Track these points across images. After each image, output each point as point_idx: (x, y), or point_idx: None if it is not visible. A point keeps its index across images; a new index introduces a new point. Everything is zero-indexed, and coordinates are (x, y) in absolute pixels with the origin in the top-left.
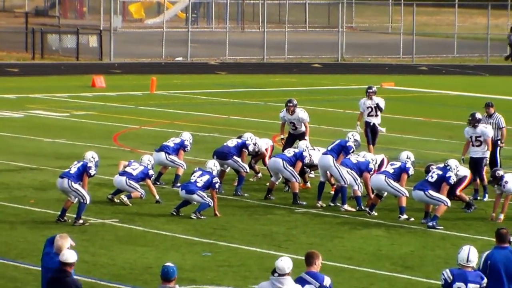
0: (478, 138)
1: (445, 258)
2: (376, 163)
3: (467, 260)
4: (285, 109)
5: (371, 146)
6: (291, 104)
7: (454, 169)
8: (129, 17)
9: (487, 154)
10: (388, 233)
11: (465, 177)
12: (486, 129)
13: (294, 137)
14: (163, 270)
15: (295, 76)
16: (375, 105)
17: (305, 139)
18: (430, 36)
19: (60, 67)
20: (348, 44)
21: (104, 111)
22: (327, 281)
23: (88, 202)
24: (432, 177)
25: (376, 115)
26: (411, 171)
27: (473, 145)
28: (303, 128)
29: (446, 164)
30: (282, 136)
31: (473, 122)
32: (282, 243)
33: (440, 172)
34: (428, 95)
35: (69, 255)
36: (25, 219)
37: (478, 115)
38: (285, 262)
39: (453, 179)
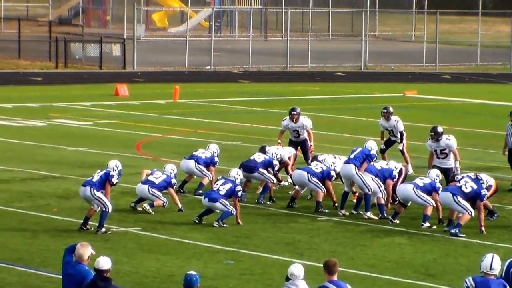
0: (443, 151)
1: (467, 266)
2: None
3: (490, 268)
4: (288, 117)
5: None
6: (295, 112)
7: (485, 182)
8: (153, 25)
9: (457, 164)
10: (410, 241)
11: (490, 186)
12: (450, 141)
13: (296, 144)
14: (186, 278)
15: (318, 84)
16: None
17: (311, 145)
18: (453, 44)
19: (83, 75)
20: (371, 53)
21: (127, 119)
22: None
23: (110, 210)
24: (466, 188)
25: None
26: (440, 190)
27: (438, 158)
28: (305, 135)
29: (479, 178)
30: (279, 141)
31: (436, 136)
32: (305, 251)
33: (474, 186)
34: (451, 104)
35: (104, 262)
36: (47, 228)
37: (440, 129)
38: (299, 269)
39: (485, 196)
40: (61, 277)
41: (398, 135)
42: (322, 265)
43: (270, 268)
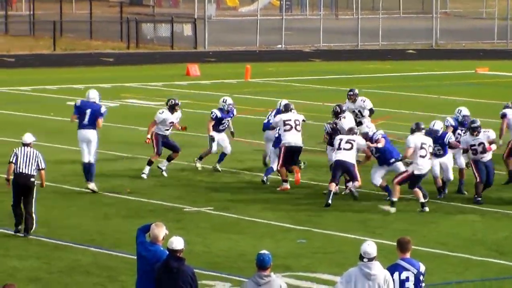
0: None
1: None
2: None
3: None
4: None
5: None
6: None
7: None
8: (223, 5)
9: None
10: (483, 218)
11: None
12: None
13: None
14: (259, 257)
15: (389, 62)
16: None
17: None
18: None
19: (154, 56)
20: (442, 30)
21: (199, 99)
22: (422, 268)
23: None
24: None
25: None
26: None
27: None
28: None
29: None
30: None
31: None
32: (377, 229)
33: None
34: None
35: (177, 242)
36: (120, 208)
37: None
38: (372, 247)
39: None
40: (134, 257)
41: (366, 113)
42: (394, 243)
43: (343, 247)
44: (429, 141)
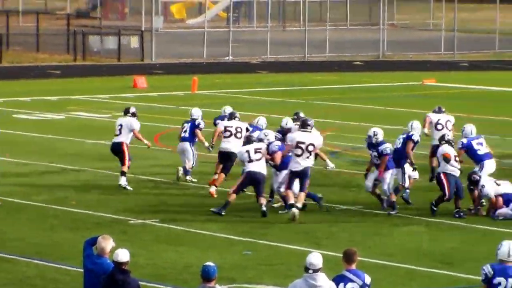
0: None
1: (486, 253)
2: None
3: (508, 255)
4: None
5: None
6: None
7: None
8: (171, 17)
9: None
10: (428, 229)
11: None
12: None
13: None
14: (204, 269)
15: (337, 74)
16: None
17: None
18: (472, 32)
19: (101, 68)
20: (389, 41)
21: (146, 111)
22: (368, 279)
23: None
24: None
25: None
26: None
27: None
28: None
29: None
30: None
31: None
32: (322, 240)
33: None
34: (469, 91)
35: (122, 255)
36: (66, 221)
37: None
38: (317, 258)
39: None
40: (81, 270)
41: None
42: (340, 255)
43: (288, 258)
44: (308, 139)
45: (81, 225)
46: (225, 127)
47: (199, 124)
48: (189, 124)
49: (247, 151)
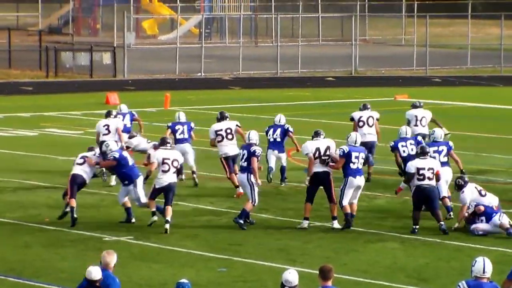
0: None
1: (460, 269)
2: None
3: (483, 271)
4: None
5: None
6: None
7: None
8: (143, 33)
9: None
10: (403, 245)
11: None
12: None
13: None
14: (178, 286)
15: (309, 90)
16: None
17: None
18: (444, 47)
19: (73, 84)
20: (361, 57)
21: None
22: None
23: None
24: None
25: None
26: None
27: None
28: None
29: None
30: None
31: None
32: (298, 257)
33: None
34: (442, 107)
35: (95, 272)
36: (39, 238)
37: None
38: (293, 275)
39: None
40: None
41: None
42: (315, 272)
43: (264, 275)
44: (172, 156)
45: (55, 242)
46: (216, 131)
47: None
48: (187, 126)
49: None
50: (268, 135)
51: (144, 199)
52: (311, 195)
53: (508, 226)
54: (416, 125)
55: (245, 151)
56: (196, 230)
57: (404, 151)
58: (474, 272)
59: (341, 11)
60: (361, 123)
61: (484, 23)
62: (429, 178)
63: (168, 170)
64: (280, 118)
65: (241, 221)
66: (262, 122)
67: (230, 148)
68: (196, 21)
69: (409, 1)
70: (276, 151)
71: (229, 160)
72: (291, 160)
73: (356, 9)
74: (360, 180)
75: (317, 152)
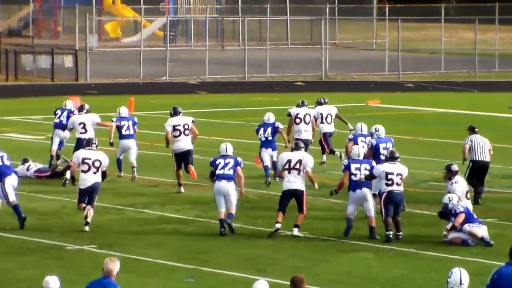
0: None
1: (438, 280)
2: None
3: (460, 283)
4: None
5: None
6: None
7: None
8: (105, 36)
9: None
10: (377, 255)
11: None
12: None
13: None
14: None
15: (278, 95)
16: None
17: None
18: (416, 52)
19: (34, 88)
20: (331, 61)
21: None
22: None
23: None
24: None
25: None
26: None
27: None
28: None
29: None
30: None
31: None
32: (268, 267)
33: None
34: (415, 113)
35: (53, 282)
36: (0, 246)
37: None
38: (263, 286)
39: None
40: None
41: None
42: (286, 283)
43: (232, 286)
44: (94, 156)
45: (16, 251)
46: (174, 126)
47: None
48: (131, 121)
49: None
50: (259, 134)
51: (12, 198)
52: (284, 205)
53: (481, 235)
54: (322, 123)
55: (230, 160)
56: (162, 238)
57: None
58: (451, 284)
59: (310, 14)
60: (298, 120)
61: (457, 27)
62: (397, 184)
63: (88, 170)
64: (269, 117)
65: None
66: (230, 128)
67: (185, 143)
68: (161, 24)
69: (380, 4)
70: (270, 149)
71: (181, 155)
72: (259, 167)
73: (326, 12)
74: (361, 193)
75: (287, 164)
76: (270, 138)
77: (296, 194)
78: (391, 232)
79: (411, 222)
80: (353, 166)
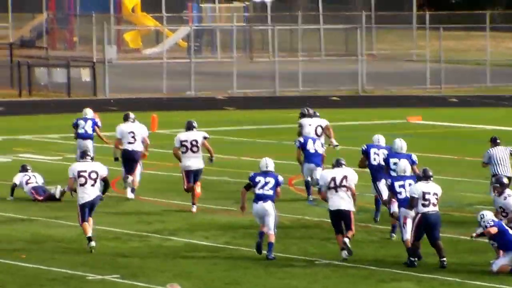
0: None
1: None
2: None
3: None
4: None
5: None
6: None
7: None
8: (125, 47)
9: None
10: (419, 286)
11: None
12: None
13: None
14: None
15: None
16: None
17: None
18: (460, 63)
19: (49, 104)
20: (369, 74)
21: (100, 153)
22: None
23: None
24: None
25: None
26: None
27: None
28: None
29: None
30: None
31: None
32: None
33: None
34: (459, 130)
35: None
36: (15, 276)
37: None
38: None
39: None
40: None
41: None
42: None
43: None
44: (90, 168)
45: (33, 282)
46: (181, 142)
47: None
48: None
49: None
50: (308, 147)
51: None
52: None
53: None
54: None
55: (271, 179)
56: (190, 267)
57: (374, 159)
58: None
59: (345, 22)
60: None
61: (504, 36)
62: (433, 204)
63: (85, 183)
64: (310, 131)
65: (273, 256)
66: (259, 147)
67: (193, 161)
68: (184, 33)
69: (421, 11)
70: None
71: (191, 174)
72: (294, 190)
73: (362, 20)
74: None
75: (332, 182)
76: (320, 151)
77: (344, 214)
78: (415, 258)
79: (456, 249)
80: (396, 184)
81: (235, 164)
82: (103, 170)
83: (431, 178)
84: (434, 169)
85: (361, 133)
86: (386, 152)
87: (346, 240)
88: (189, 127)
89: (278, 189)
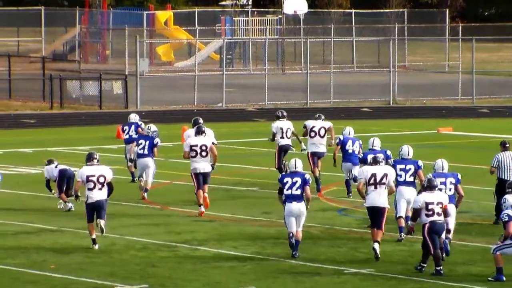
0: None
1: None
2: None
3: None
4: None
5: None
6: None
7: None
8: (157, 60)
9: None
10: None
11: None
12: None
13: None
14: None
15: (343, 122)
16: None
17: None
18: (492, 74)
19: (81, 117)
20: (400, 85)
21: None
22: None
23: None
24: None
25: None
26: None
27: None
28: None
29: None
30: None
31: None
32: None
33: None
34: (490, 141)
35: None
36: (44, 287)
37: None
38: None
39: None
40: None
41: None
42: None
43: None
44: (98, 172)
45: None
46: (191, 146)
47: (157, 142)
48: (148, 141)
49: None
50: (347, 146)
51: None
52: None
53: None
54: (282, 137)
55: (298, 179)
56: (219, 277)
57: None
58: None
59: (377, 35)
60: (312, 133)
61: None
62: (438, 214)
63: (94, 187)
64: (350, 131)
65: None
66: (290, 158)
67: (202, 165)
68: (217, 46)
69: (453, 23)
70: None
71: (200, 177)
72: (322, 200)
73: (394, 32)
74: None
75: (372, 178)
76: (356, 152)
77: (380, 211)
78: (442, 267)
79: (485, 258)
80: (438, 180)
81: (264, 175)
82: (109, 174)
83: (436, 188)
84: (465, 179)
85: (392, 144)
86: (413, 167)
87: (376, 245)
88: (199, 131)
89: (307, 188)
